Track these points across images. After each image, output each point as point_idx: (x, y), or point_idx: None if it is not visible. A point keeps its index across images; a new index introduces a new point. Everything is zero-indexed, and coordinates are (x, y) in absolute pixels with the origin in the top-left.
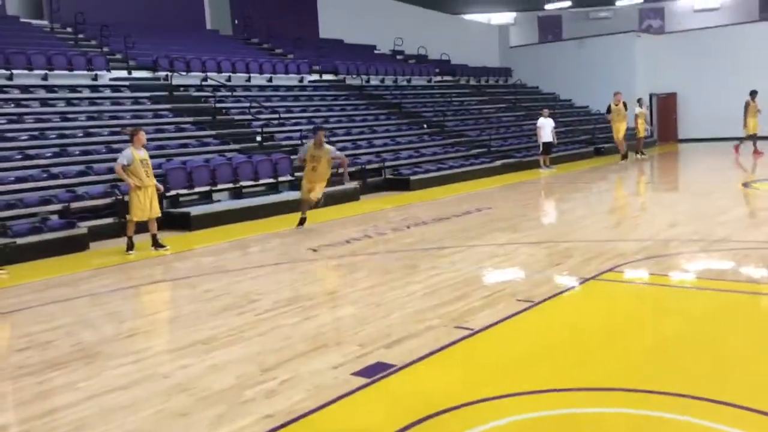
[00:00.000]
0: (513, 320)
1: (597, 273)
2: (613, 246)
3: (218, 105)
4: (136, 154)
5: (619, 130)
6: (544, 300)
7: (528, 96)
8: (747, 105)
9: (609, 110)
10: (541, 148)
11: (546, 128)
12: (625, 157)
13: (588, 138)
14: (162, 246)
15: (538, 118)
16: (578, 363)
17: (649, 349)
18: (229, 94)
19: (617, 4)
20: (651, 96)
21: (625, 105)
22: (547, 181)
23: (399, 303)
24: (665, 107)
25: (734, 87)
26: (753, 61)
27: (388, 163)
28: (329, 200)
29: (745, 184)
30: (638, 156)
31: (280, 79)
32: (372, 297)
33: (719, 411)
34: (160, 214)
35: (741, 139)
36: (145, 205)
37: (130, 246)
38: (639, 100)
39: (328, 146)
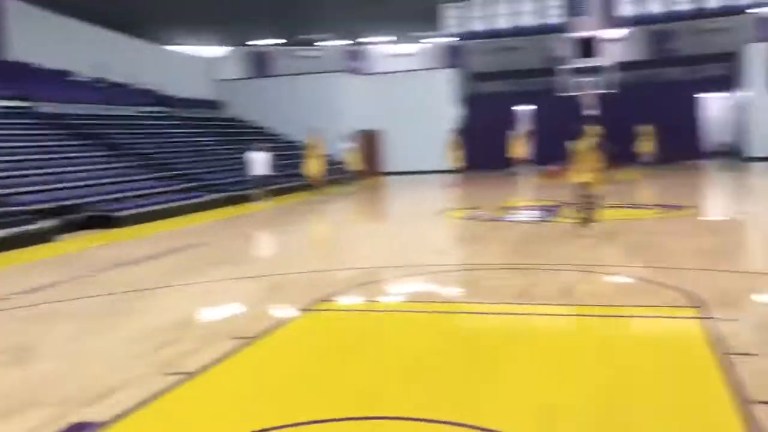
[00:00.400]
0: (231, 359)
1: (312, 303)
2: (327, 276)
3: None
4: None
5: (313, 165)
6: (261, 335)
7: (242, 129)
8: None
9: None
10: (255, 182)
11: (259, 162)
12: (318, 189)
13: (296, 172)
14: None
15: (251, 152)
16: (301, 396)
17: (368, 374)
18: None
19: (323, 44)
20: (357, 132)
21: (318, 142)
22: (262, 215)
23: (104, 352)
24: (370, 143)
25: (427, 124)
26: (440, 102)
27: (90, 199)
28: (16, 243)
29: (439, 213)
30: (344, 189)
31: None
32: (72, 348)
33: (443, 430)
34: None
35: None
36: None
37: None
38: (346, 137)
39: None
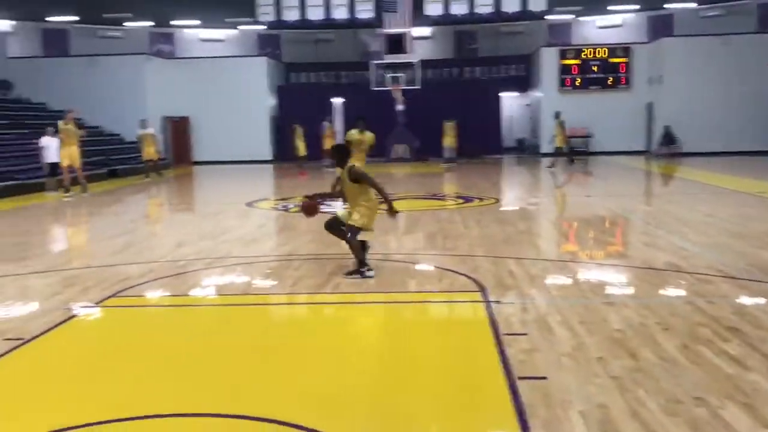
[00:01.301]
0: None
1: (101, 299)
2: (120, 270)
3: None
4: None
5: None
6: (39, 335)
7: (33, 113)
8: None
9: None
10: (46, 170)
11: (52, 148)
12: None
13: (101, 159)
14: None
15: (45, 137)
16: (85, 396)
17: (158, 371)
18: None
19: (126, 24)
20: (164, 119)
21: (77, 125)
22: (55, 205)
23: None
24: (179, 130)
25: (239, 113)
26: (253, 91)
27: None
28: None
29: (249, 204)
30: (152, 178)
31: None
32: None
33: (233, 425)
34: None
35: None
36: None
37: None
38: (142, 121)
39: None
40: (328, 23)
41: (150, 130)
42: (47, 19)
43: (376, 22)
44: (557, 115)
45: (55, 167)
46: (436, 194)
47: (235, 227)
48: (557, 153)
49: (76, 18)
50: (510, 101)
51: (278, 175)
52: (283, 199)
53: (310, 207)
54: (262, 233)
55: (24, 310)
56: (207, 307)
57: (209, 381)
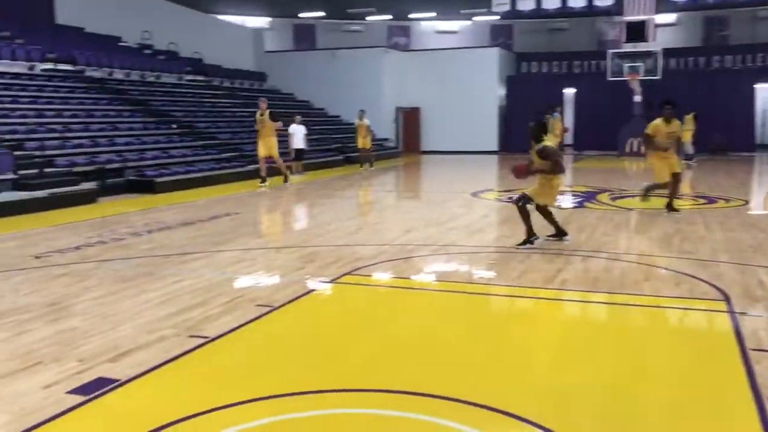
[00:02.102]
0: (251, 326)
1: (336, 276)
2: (354, 250)
3: None
4: None
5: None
6: (284, 304)
7: (282, 102)
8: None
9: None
10: (292, 155)
11: (298, 135)
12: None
13: (339, 147)
14: None
15: (290, 125)
16: (319, 365)
17: (387, 349)
18: None
19: (368, 19)
20: (397, 109)
21: (273, 117)
22: (298, 188)
23: (130, 313)
24: (410, 120)
25: (468, 103)
26: (483, 81)
27: (131, 164)
28: (59, 202)
29: (474, 194)
30: (365, 168)
31: (5, 66)
32: (101, 308)
33: (456, 408)
34: None
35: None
36: None
37: None
38: (360, 112)
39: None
40: (564, 11)
41: (366, 122)
42: (299, 15)
43: (615, 9)
44: None
45: (300, 153)
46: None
47: (460, 216)
48: None
49: (323, 14)
50: (766, 93)
51: (504, 166)
52: (508, 191)
53: (520, 169)
54: (486, 223)
55: (272, 281)
56: (433, 291)
57: (434, 362)
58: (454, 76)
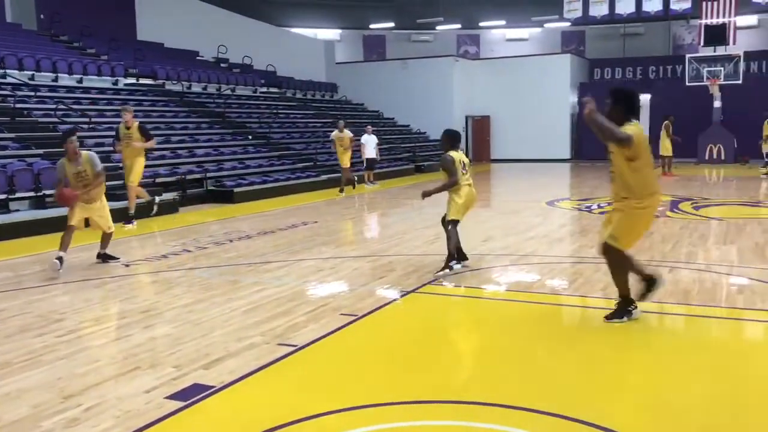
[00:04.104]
0: (337, 335)
1: (418, 286)
2: (433, 260)
3: (19, 105)
4: None
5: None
6: (368, 313)
7: (353, 112)
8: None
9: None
10: (364, 164)
11: (369, 145)
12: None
13: (409, 156)
14: None
15: (362, 135)
16: (403, 376)
17: (468, 360)
18: (32, 94)
19: (437, 28)
20: (467, 118)
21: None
22: (371, 197)
23: (219, 321)
24: (479, 129)
25: (539, 111)
26: (554, 89)
27: (210, 174)
28: (143, 212)
29: (550, 203)
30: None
31: (92, 81)
32: (190, 315)
33: (536, 420)
34: None
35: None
36: None
37: None
38: (340, 122)
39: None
40: (639, 16)
41: (346, 133)
42: (369, 27)
43: (692, 13)
44: None
45: (371, 162)
46: (761, 201)
47: (538, 225)
48: None
49: (393, 24)
50: None
51: (578, 174)
52: (584, 200)
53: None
54: (565, 233)
55: (353, 290)
56: (517, 303)
57: (522, 375)
58: (525, 83)
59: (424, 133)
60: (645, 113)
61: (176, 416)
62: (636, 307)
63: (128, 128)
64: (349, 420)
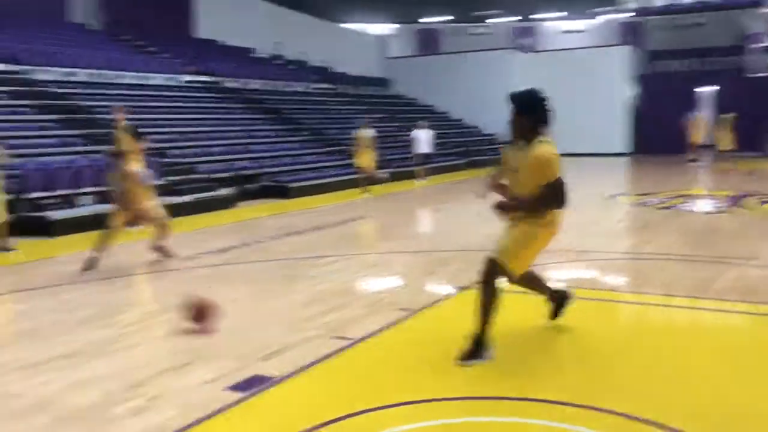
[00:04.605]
0: (392, 329)
1: (471, 281)
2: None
3: (83, 103)
4: None
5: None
6: (423, 308)
7: (406, 107)
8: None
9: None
10: (417, 159)
11: (422, 139)
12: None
13: (462, 150)
14: (7, 249)
15: (416, 130)
16: (460, 371)
17: (524, 357)
18: (96, 92)
19: (493, 21)
20: None
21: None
22: (424, 191)
23: (277, 313)
24: None
25: (597, 104)
26: (613, 81)
27: (266, 170)
28: (201, 207)
29: (609, 198)
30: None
31: (153, 79)
32: (249, 307)
33: (596, 417)
34: (3, 219)
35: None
36: None
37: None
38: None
39: None
40: (701, 6)
41: (369, 132)
42: (421, 20)
43: (758, 1)
44: None
45: (424, 157)
46: None
47: (599, 220)
48: None
49: (448, 18)
50: None
51: (638, 168)
52: (645, 194)
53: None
54: (626, 228)
55: (409, 285)
56: (578, 299)
57: (590, 373)
58: (582, 76)
59: (476, 127)
60: (708, 107)
61: (237, 407)
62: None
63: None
64: (406, 414)
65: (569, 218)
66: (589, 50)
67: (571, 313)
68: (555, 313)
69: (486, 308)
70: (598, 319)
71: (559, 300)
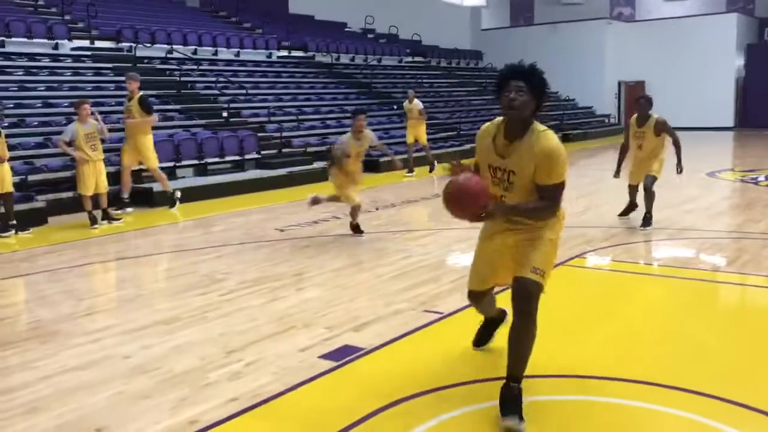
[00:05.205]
0: None
1: (566, 259)
2: (582, 232)
3: (183, 79)
4: (81, 129)
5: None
6: None
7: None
8: None
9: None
10: None
11: None
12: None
13: (557, 124)
14: (114, 219)
15: None
16: (546, 349)
17: (616, 336)
18: (195, 67)
19: None
20: (619, 83)
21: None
22: None
23: (367, 286)
24: (633, 95)
25: (700, 76)
26: (718, 51)
27: None
28: (296, 179)
29: (711, 174)
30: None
31: (248, 54)
32: (340, 279)
33: (686, 399)
34: (106, 190)
35: None
36: (91, 180)
37: (93, 221)
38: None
39: (369, 132)
40: None
41: (416, 104)
42: None
43: None
44: None
45: None
46: None
47: (698, 197)
48: None
49: None
50: None
51: (742, 143)
52: (750, 171)
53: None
54: (728, 206)
55: None
56: (673, 279)
57: (679, 354)
58: (684, 46)
59: (573, 99)
60: None
61: (330, 375)
62: None
63: (130, 100)
64: (493, 390)
65: (666, 194)
66: (694, 18)
67: (663, 292)
68: (489, 335)
69: (531, 346)
70: (694, 301)
71: (498, 321)
